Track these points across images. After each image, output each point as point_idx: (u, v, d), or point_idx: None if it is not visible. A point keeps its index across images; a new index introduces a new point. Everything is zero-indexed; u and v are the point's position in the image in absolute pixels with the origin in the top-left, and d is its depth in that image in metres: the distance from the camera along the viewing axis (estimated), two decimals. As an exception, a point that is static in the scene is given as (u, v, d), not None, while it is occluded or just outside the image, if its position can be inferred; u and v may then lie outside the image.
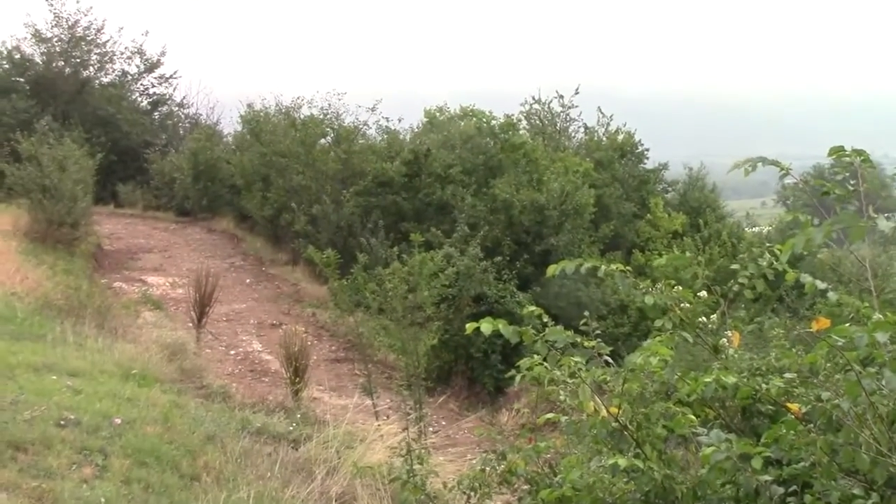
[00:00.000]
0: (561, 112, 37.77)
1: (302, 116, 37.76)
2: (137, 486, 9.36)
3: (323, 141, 35.81)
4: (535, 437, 7.94)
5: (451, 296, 20.05)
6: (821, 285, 5.90)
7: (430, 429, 11.72)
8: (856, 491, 5.36)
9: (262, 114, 40.03)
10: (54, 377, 12.63)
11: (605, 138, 35.95)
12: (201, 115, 54.26)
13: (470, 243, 23.07)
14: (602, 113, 36.69)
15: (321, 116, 37.44)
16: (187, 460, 10.45)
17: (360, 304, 19.27)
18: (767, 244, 6.68)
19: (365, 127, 36.11)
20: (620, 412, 6.22)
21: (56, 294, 21.10)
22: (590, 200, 27.63)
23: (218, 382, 16.57)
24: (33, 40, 51.43)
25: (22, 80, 50.78)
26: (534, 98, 37.34)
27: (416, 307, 17.36)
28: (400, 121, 35.74)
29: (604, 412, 6.23)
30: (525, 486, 7.46)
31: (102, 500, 8.71)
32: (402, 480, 7.33)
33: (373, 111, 36.12)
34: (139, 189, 48.45)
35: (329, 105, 37.39)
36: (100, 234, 34.03)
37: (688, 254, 7.24)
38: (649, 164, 35.92)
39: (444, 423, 16.68)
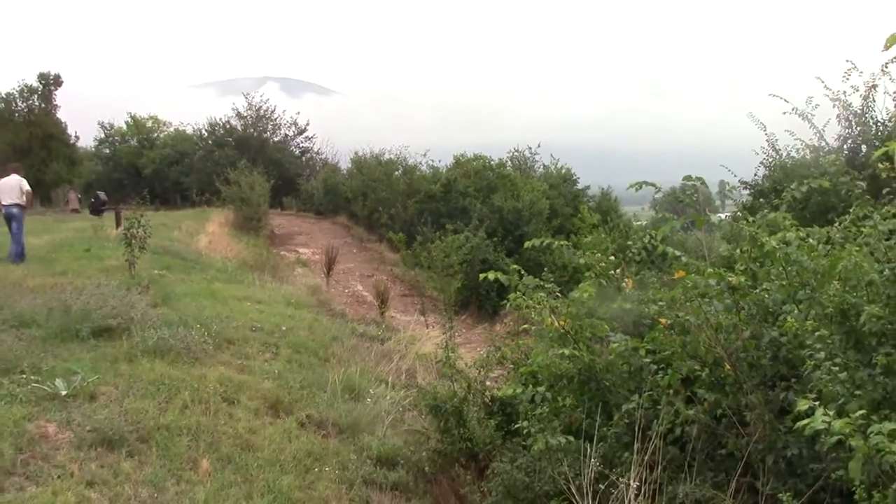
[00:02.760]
0: (529, 156, 37.76)
1: (384, 159, 37.93)
2: (295, 364, 9.39)
3: (396, 172, 35.84)
4: (516, 339, 7.94)
5: (467, 259, 19.99)
6: (677, 254, 5.88)
7: (457, 334, 11.70)
8: (696, 367, 5.36)
9: (362, 157, 40.25)
10: (248, 303, 12.65)
11: (554, 171, 35.87)
12: (328, 157, 54.28)
13: (479, 230, 23.11)
14: (553, 157, 36.75)
15: (395, 158, 37.60)
16: (322, 350, 10.46)
17: (417, 264, 19.29)
18: (647, 231, 6.73)
19: (420, 164, 36.18)
20: (565, 324, 6.21)
21: (249, 257, 21.14)
22: (545, 206, 27.54)
23: (338, 308, 16.56)
24: (237, 117, 51.76)
25: (230, 139, 50.99)
26: (515, 149, 37.42)
27: (449, 265, 17.33)
28: (440, 161, 35.93)
29: (556, 324, 6.22)
30: (511, 366, 7.46)
31: (276, 371, 8.75)
32: (443, 361, 7.33)
33: (424, 156, 36.27)
34: (294, 200, 48.54)
35: (399, 152, 37.61)
36: (272, 225, 34.05)
37: (603, 236, 7.22)
38: (579, 186, 36.02)
39: (464, 331, 16.59)
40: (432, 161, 36.21)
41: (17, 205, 15.29)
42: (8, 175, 15.78)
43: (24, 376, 7.12)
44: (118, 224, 19.95)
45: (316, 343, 10.65)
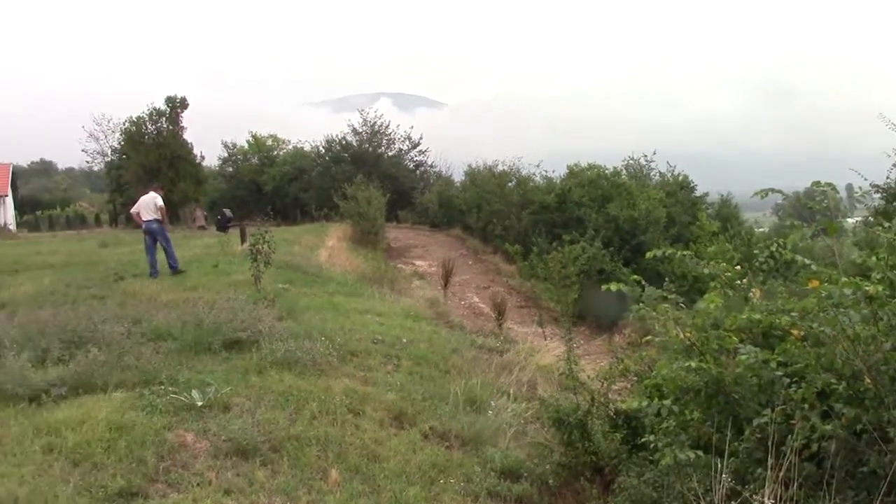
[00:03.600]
0: (645, 164, 37.16)
1: (498, 170, 38.03)
2: (417, 376, 9.50)
3: (510, 184, 35.86)
4: (639, 350, 7.84)
5: (584, 270, 19.84)
6: (806, 262, 5.70)
7: (575, 345, 11.61)
8: (832, 380, 5.17)
9: (476, 169, 40.49)
10: (369, 316, 12.89)
11: (670, 178, 35.22)
12: (442, 170, 54.81)
13: (595, 240, 22.86)
14: (669, 164, 36.11)
15: (508, 170, 37.64)
16: (442, 362, 10.55)
17: (534, 275, 19.27)
18: (773, 239, 6.54)
19: (533, 175, 36.09)
20: (691, 335, 6.09)
21: (367, 271, 21.53)
22: (662, 214, 27.06)
23: (456, 319, 16.67)
24: (352, 133, 52.98)
25: (346, 155, 52.17)
26: (630, 157, 36.87)
27: (566, 276, 17.24)
28: (553, 171, 35.77)
29: (681, 335, 6.11)
30: (634, 378, 7.36)
31: (398, 383, 8.88)
32: (565, 373, 7.30)
33: (537, 166, 36.17)
34: (409, 213, 49.22)
35: (513, 164, 37.67)
36: (389, 238, 34.58)
37: (727, 245, 7.05)
38: (697, 193, 35.27)
39: (582, 342, 16.47)
40: (546, 171, 36.09)
41: (155, 220, 16.29)
42: (147, 193, 16.82)
43: (163, 387, 7.48)
44: (243, 240, 20.66)
45: (436, 355, 10.76)
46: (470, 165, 42.14)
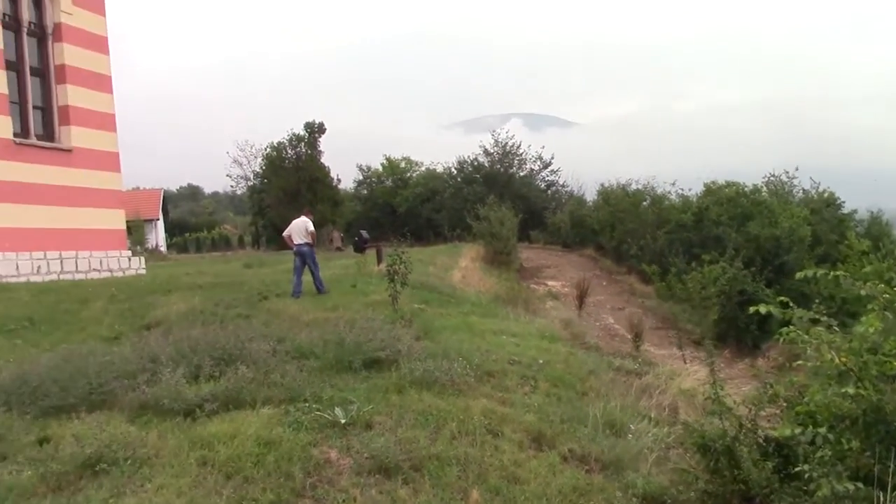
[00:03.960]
0: (787, 181, 35.83)
1: (631, 189, 37.50)
2: (554, 397, 9.41)
3: (644, 203, 35.29)
4: (787, 375, 7.52)
5: (724, 291, 19.23)
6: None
7: (717, 369, 11.21)
8: None
9: (608, 188, 40.05)
10: (504, 337, 12.86)
11: (815, 195, 33.86)
12: (573, 190, 54.43)
13: (735, 260, 22.13)
14: (813, 181, 34.72)
15: (642, 188, 37.08)
16: (579, 384, 10.41)
17: (672, 296, 18.83)
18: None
19: (668, 193, 35.43)
20: (847, 360, 5.80)
21: (501, 291, 21.56)
22: (807, 233, 26.02)
23: (592, 341, 16.47)
24: (484, 154, 53.40)
25: (478, 175, 52.59)
26: (770, 173, 35.71)
27: (706, 297, 16.77)
28: (689, 189, 35.02)
29: (836, 360, 5.83)
30: (784, 404, 7.06)
31: (536, 404, 8.82)
32: (710, 398, 7.07)
33: (672, 185, 35.49)
34: (541, 233, 49.05)
35: (647, 182, 37.11)
36: (521, 258, 34.53)
37: (885, 265, 6.68)
38: (844, 210, 33.77)
39: (723, 365, 15.91)
40: (681, 189, 35.38)
41: (306, 243, 16.90)
42: (299, 217, 17.44)
43: (307, 404, 7.70)
44: (379, 261, 21.07)
45: (573, 377, 10.63)
46: (602, 184, 41.77)
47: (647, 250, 30.14)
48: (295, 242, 17.00)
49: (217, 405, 7.56)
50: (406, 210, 55.34)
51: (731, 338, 20.60)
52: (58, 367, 8.56)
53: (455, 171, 55.52)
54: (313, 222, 17.45)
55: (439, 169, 58.98)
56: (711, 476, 6.72)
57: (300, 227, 17.05)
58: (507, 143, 53.51)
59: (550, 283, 28.99)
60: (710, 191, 32.03)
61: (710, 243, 26.45)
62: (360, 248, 25.26)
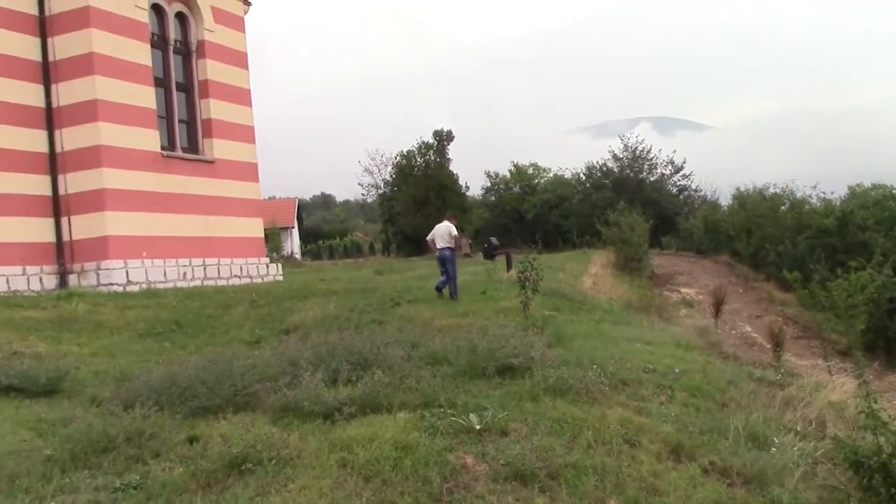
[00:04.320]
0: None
1: (769, 193, 36.26)
2: (692, 408, 9.15)
3: (783, 207, 34.06)
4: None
5: (873, 299, 18.24)
6: None
7: (866, 381, 10.63)
8: None
9: (745, 193, 38.90)
10: (638, 344, 12.62)
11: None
12: (707, 195, 53.09)
13: (884, 267, 20.97)
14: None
15: (781, 192, 35.81)
16: (718, 394, 10.08)
17: (815, 305, 18.02)
18: None
19: (809, 197, 34.11)
20: None
21: (633, 298, 21.23)
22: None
23: (729, 350, 15.96)
24: (612, 159, 52.81)
25: (607, 181, 52.01)
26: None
27: (853, 306, 15.98)
28: (832, 192, 33.63)
29: None
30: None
31: (673, 414, 8.60)
32: (863, 411, 6.72)
33: (813, 188, 34.15)
34: (672, 239, 48.00)
35: (786, 186, 35.82)
36: (653, 264, 33.89)
37: None
38: None
39: (872, 377, 15.12)
40: (822, 193, 33.97)
41: (448, 248, 17.17)
42: (442, 222, 17.81)
43: (442, 409, 7.76)
44: (509, 267, 21.09)
45: (711, 387, 10.31)
46: (738, 189, 40.53)
47: (786, 256, 29.03)
48: (437, 247, 17.24)
49: (355, 409, 7.71)
50: (534, 216, 55.22)
51: (880, 349, 19.55)
52: (204, 369, 8.93)
53: (583, 177, 55.10)
54: (456, 227, 17.70)
55: (567, 175, 58.68)
56: (865, 494, 6.40)
57: (443, 232, 17.29)
58: (636, 147, 52.77)
59: (684, 290, 28.31)
60: (856, 194, 30.61)
61: (855, 249, 25.19)
62: (489, 254, 25.30)
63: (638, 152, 52.74)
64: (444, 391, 8.39)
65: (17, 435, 7.80)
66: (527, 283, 13.85)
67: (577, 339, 12.14)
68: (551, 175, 61.38)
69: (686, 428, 8.14)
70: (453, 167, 54.33)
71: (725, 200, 46.09)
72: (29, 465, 6.63)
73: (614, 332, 13.50)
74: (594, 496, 6.28)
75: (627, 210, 33.08)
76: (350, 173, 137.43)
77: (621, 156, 52.76)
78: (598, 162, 54.05)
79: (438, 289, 16.98)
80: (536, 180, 61.39)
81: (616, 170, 52.66)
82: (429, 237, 17.76)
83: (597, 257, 30.97)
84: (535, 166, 63.44)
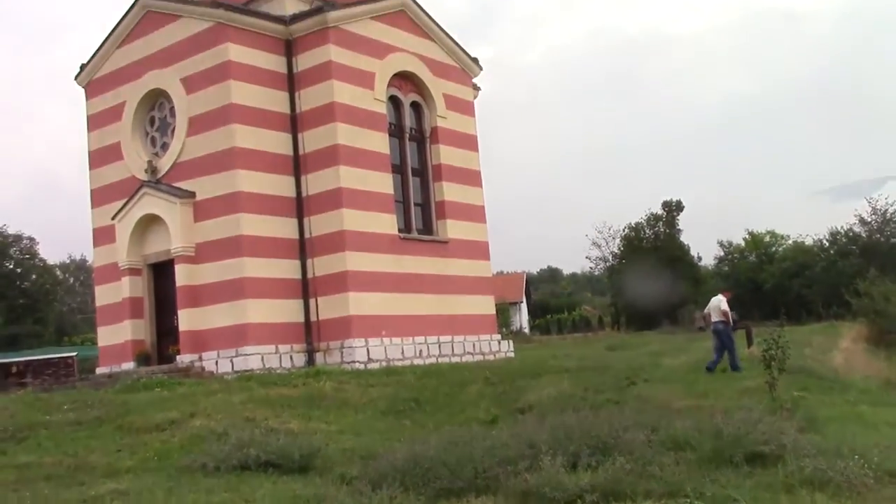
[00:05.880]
0: None
1: None
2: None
3: None
4: None
5: None
6: None
7: None
8: None
9: None
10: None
11: None
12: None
13: None
14: None
15: None
16: None
17: None
18: None
19: None
20: None
21: (893, 376, 19.48)
22: None
23: None
24: (859, 223, 49.51)
25: (854, 247, 48.81)
26: None
27: None
28: None
29: None
30: None
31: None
32: None
33: None
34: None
35: None
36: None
37: None
38: None
39: None
40: None
41: (721, 322, 17.28)
42: (715, 296, 18.14)
43: (689, 500, 7.42)
44: (749, 342, 20.11)
45: None
46: None
47: None
48: (711, 321, 17.50)
49: (597, 496, 7.56)
50: (773, 286, 52.50)
51: None
52: (445, 450, 9.11)
53: (826, 244, 51.86)
54: (728, 302, 17.71)
55: (808, 241, 55.53)
56: None
57: (715, 306, 17.56)
58: (886, 209, 49.04)
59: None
60: None
61: None
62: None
63: (889, 215, 49.05)
64: (689, 480, 8.03)
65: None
66: (772, 362, 13.08)
67: (831, 423, 11.28)
68: (790, 242, 58.34)
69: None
70: (684, 237, 53.05)
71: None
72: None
73: (874, 416, 12.40)
74: None
75: (880, 278, 30.67)
76: (577, 246, 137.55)
77: (869, 219, 49.32)
78: (842, 227, 50.82)
79: (709, 368, 16.95)
80: (774, 248, 58.54)
81: (864, 235, 49.20)
82: (704, 311, 18.31)
83: (846, 330, 28.78)
84: (772, 233, 60.59)
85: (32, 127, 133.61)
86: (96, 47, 24.07)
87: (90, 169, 24.44)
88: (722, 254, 60.54)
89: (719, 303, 17.59)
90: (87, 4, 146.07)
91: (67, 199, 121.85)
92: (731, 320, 17.56)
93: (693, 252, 53.52)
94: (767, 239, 60.00)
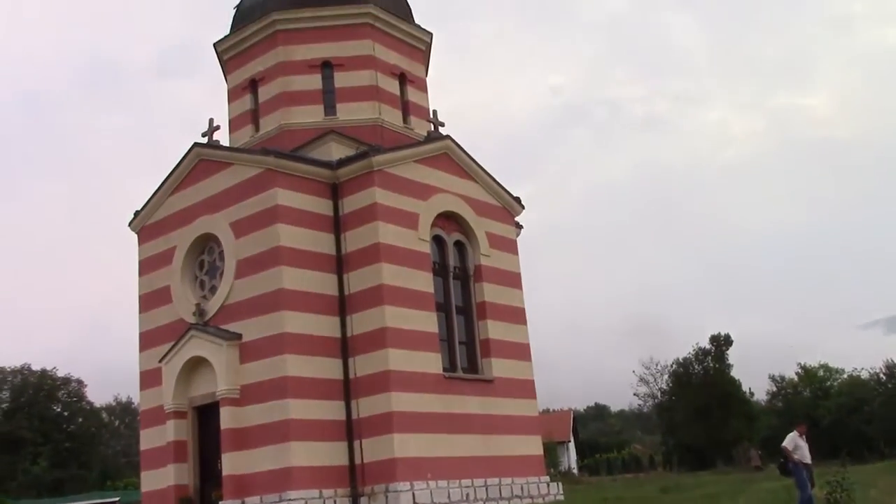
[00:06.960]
0: None
1: None
2: None
3: None
4: None
5: None
6: None
7: None
8: None
9: None
10: None
11: None
12: None
13: None
14: None
15: None
16: None
17: None
18: None
19: None
20: None
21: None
22: None
23: None
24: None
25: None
26: None
27: None
28: None
29: None
30: None
31: None
32: None
33: None
34: None
35: None
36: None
37: None
38: None
39: None
40: None
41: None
42: (792, 431, 18.07)
43: None
44: (811, 484, 19.24)
45: None
46: None
47: None
48: (794, 456, 17.38)
49: None
50: (830, 423, 50.70)
51: None
52: None
53: (884, 377, 50.29)
54: (803, 435, 17.76)
55: (864, 375, 53.90)
56: None
57: (787, 442, 17.58)
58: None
59: None
60: None
61: None
62: (786, 469, 23.27)
63: (948, 346, 47.78)
64: None
65: None
66: (838, 507, 12.48)
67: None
68: (845, 376, 56.71)
69: None
70: (734, 372, 51.92)
71: None
72: None
73: None
74: None
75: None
76: (624, 382, 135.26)
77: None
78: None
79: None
80: (829, 382, 56.91)
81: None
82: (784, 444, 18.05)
83: (913, 470, 27.43)
84: (826, 367, 59.02)
85: (83, 270, 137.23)
86: (149, 195, 24.81)
87: (140, 312, 24.78)
88: (774, 389, 58.96)
89: (794, 438, 17.61)
90: (145, 153, 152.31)
91: (115, 341, 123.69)
92: (788, 456, 17.19)
93: (744, 387, 52.17)
94: (821, 373, 58.45)
